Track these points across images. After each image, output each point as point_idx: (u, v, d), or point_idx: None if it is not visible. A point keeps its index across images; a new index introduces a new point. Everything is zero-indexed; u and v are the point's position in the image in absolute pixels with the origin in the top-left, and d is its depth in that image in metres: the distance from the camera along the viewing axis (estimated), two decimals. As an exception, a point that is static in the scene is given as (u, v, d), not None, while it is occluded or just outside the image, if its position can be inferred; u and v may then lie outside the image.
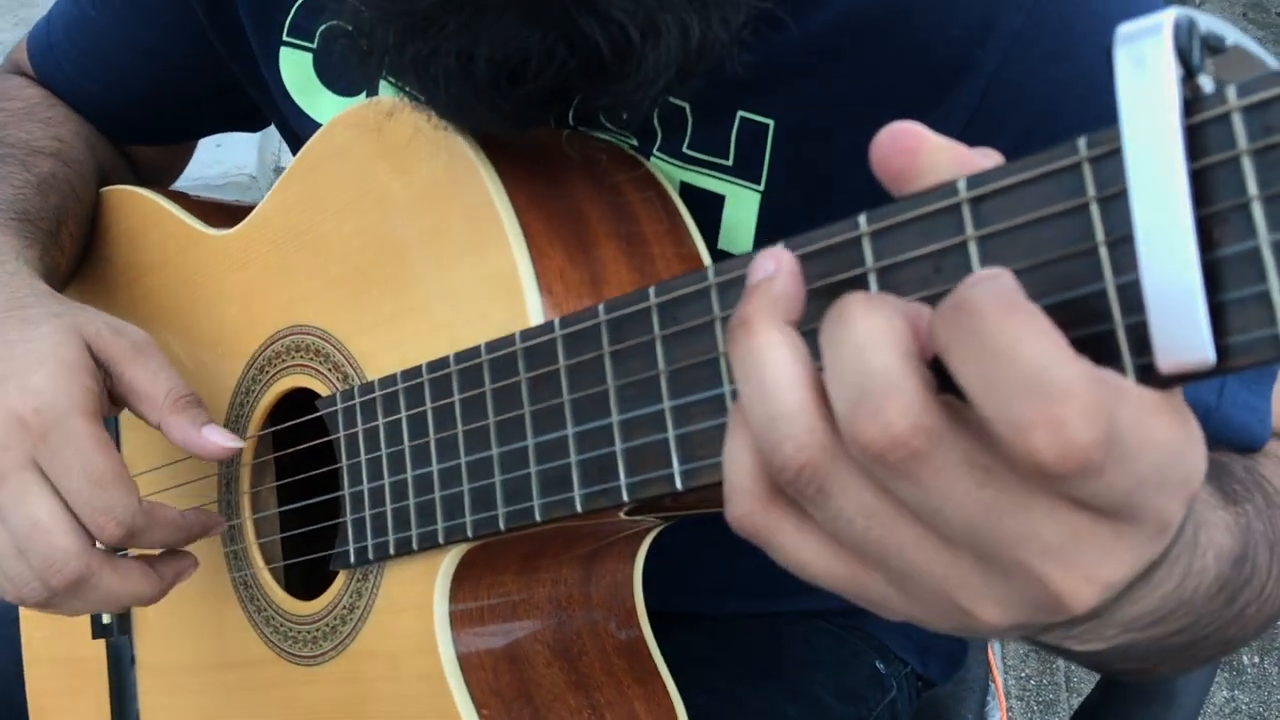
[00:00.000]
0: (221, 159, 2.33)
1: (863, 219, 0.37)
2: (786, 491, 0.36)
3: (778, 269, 0.37)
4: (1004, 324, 0.31)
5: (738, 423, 0.37)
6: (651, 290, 0.45)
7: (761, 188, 0.63)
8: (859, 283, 0.37)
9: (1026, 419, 0.30)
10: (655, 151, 0.65)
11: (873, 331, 0.33)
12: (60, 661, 0.88)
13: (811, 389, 0.35)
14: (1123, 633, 0.41)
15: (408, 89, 0.56)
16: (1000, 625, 0.35)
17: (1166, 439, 0.32)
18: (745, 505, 0.37)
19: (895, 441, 0.32)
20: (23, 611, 0.92)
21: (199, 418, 0.66)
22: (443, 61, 0.51)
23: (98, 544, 0.62)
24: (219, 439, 0.66)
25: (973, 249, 0.35)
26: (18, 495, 0.61)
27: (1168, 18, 0.31)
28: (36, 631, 0.91)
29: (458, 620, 0.60)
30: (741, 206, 0.64)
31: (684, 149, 0.64)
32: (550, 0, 0.48)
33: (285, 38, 0.76)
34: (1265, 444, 0.61)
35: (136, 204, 0.85)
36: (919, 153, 0.36)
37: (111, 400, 0.68)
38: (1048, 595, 0.34)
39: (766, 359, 0.35)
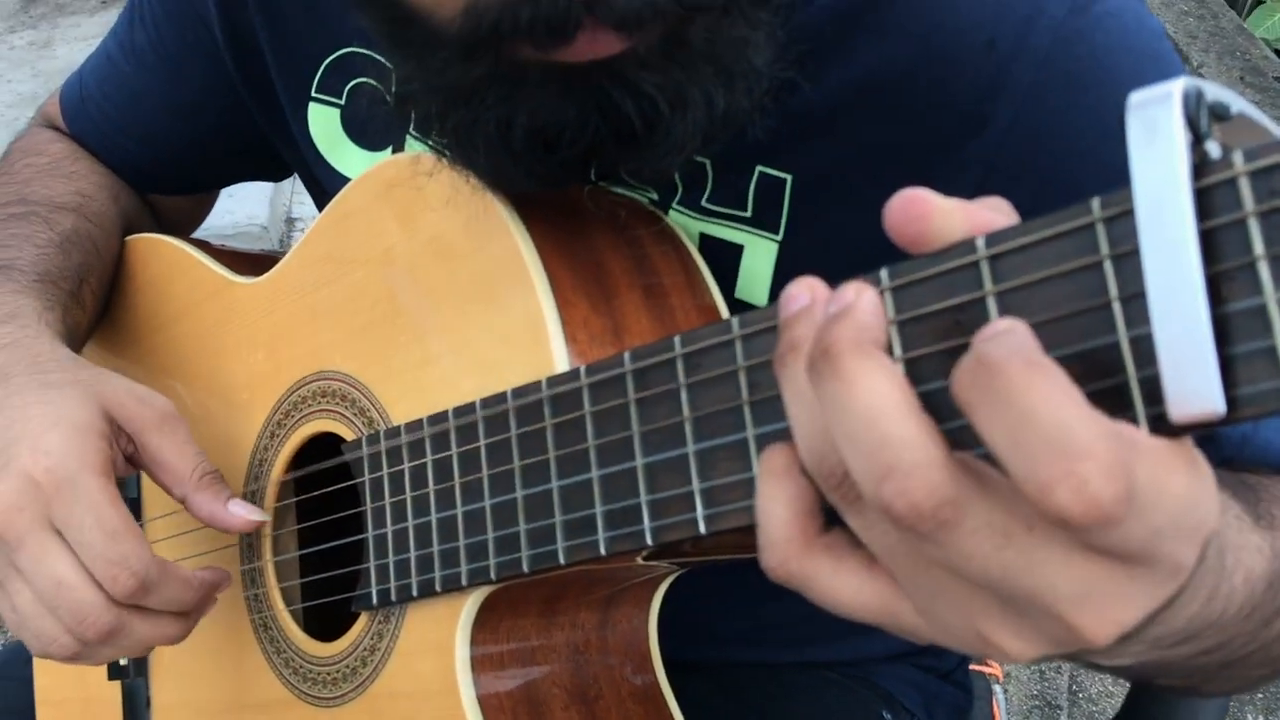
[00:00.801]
0: (233, 209, 2.36)
1: (884, 274, 0.39)
2: (825, 492, 0.38)
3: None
4: (1028, 383, 0.32)
5: (767, 473, 0.39)
6: (677, 340, 0.47)
7: (779, 238, 0.65)
8: None
9: (1051, 476, 0.32)
10: (675, 204, 0.67)
11: (880, 396, 0.35)
12: (73, 703, 0.89)
13: None
14: (1150, 650, 0.42)
15: (447, 153, 0.58)
16: (1023, 655, 0.37)
17: (1181, 490, 0.33)
18: (782, 553, 0.39)
19: (922, 515, 0.34)
20: (37, 653, 0.92)
21: (222, 494, 0.69)
22: (483, 130, 0.53)
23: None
24: (244, 512, 0.69)
25: (991, 303, 0.37)
26: (38, 556, 0.63)
27: (1177, 87, 0.33)
28: (49, 674, 0.91)
29: (479, 663, 0.61)
30: (759, 256, 0.66)
31: (703, 202, 0.66)
32: (585, 76, 0.50)
33: (314, 94, 0.78)
34: None
35: (161, 252, 0.87)
36: (930, 218, 0.38)
37: (130, 463, 0.69)
38: (1066, 633, 0.35)
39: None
